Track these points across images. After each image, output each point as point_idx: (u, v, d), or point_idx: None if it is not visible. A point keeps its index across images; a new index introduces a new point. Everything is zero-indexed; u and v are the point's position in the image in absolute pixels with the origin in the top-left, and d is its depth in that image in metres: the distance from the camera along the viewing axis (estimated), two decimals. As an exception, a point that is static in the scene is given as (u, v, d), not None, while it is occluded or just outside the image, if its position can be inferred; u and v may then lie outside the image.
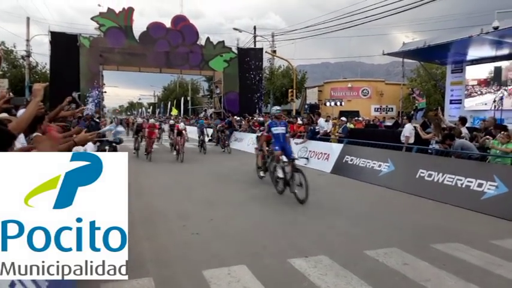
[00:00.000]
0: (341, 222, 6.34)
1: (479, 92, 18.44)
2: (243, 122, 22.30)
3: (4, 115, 3.83)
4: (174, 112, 40.66)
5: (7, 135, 2.54)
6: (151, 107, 68.65)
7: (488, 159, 7.91)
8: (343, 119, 14.59)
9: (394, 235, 5.61)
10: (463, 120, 9.41)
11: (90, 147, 4.75)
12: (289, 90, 28.17)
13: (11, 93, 19.51)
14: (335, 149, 12.32)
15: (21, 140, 3.79)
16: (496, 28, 13.40)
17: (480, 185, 7.36)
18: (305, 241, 5.31)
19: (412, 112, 17.14)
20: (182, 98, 45.25)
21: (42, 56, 31.38)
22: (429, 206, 7.59)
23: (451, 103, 20.07)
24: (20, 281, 2.28)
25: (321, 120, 14.48)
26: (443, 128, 9.23)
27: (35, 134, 4.66)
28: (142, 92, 77.47)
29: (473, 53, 17.35)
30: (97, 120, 15.42)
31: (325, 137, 13.57)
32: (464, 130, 9.00)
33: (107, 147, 4.92)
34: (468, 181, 7.63)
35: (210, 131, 21.39)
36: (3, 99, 4.54)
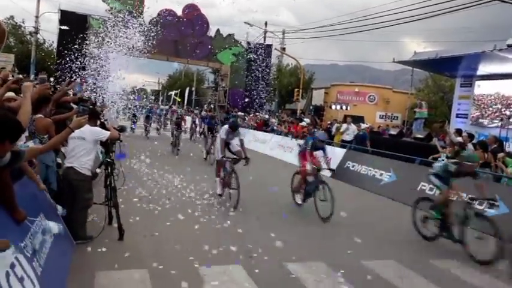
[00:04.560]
0: (339, 230, 6.28)
1: (489, 108, 18.27)
2: (247, 118, 22.23)
3: (11, 94, 3.79)
4: (178, 99, 40.53)
5: (19, 129, 2.60)
6: (154, 94, 67.98)
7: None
8: (363, 125, 14.49)
9: (393, 247, 5.56)
10: (470, 137, 9.32)
11: (93, 131, 4.66)
12: (295, 89, 27.94)
13: (16, 70, 19.37)
14: (337, 153, 12.23)
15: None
16: (510, 45, 13.24)
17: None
18: (302, 246, 5.27)
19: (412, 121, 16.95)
20: (187, 89, 44.85)
21: (49, 33, 30.95)
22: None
23: (457, 117, 19.89)
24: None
25: (352, 127, 13.92)
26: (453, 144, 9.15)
27: (38, 116, 4.60)
28: (147, 78, 76.61)
29: (484, 68, 17.16)
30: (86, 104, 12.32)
31: (329, 141, 13.50)
32: (470, 146, 8.92)
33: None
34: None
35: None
36: (6, 78, 4.49)
